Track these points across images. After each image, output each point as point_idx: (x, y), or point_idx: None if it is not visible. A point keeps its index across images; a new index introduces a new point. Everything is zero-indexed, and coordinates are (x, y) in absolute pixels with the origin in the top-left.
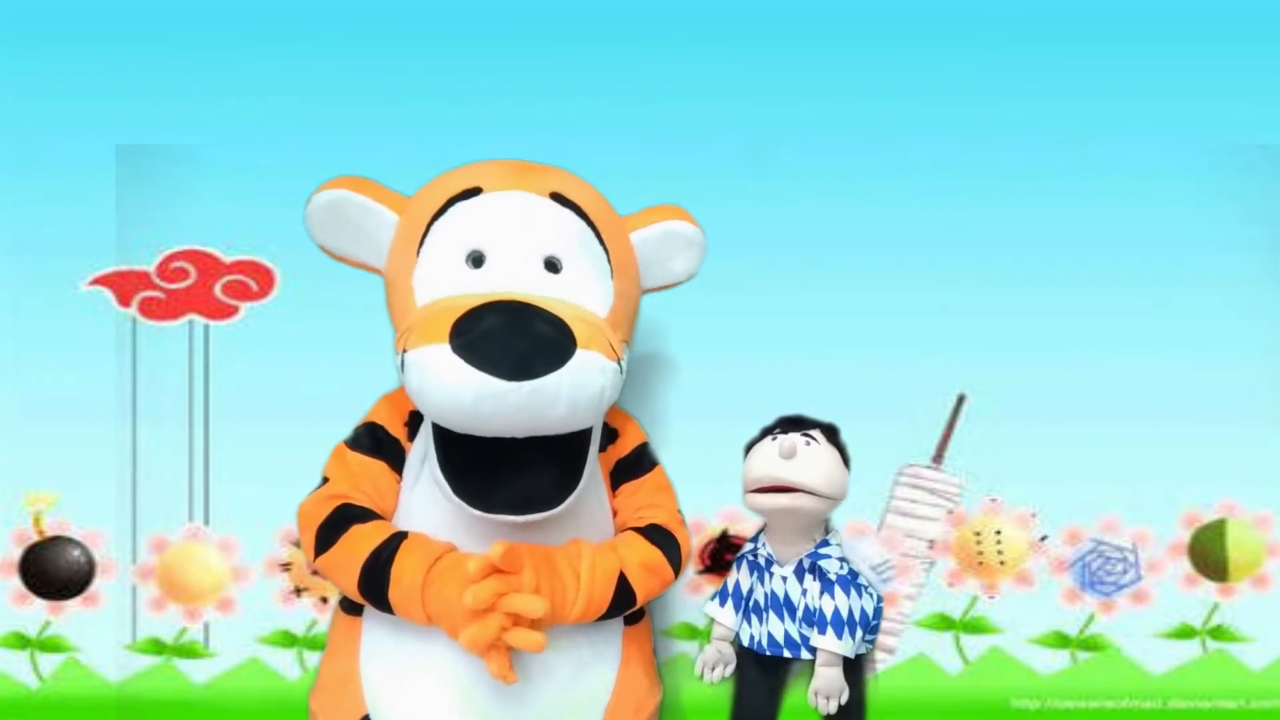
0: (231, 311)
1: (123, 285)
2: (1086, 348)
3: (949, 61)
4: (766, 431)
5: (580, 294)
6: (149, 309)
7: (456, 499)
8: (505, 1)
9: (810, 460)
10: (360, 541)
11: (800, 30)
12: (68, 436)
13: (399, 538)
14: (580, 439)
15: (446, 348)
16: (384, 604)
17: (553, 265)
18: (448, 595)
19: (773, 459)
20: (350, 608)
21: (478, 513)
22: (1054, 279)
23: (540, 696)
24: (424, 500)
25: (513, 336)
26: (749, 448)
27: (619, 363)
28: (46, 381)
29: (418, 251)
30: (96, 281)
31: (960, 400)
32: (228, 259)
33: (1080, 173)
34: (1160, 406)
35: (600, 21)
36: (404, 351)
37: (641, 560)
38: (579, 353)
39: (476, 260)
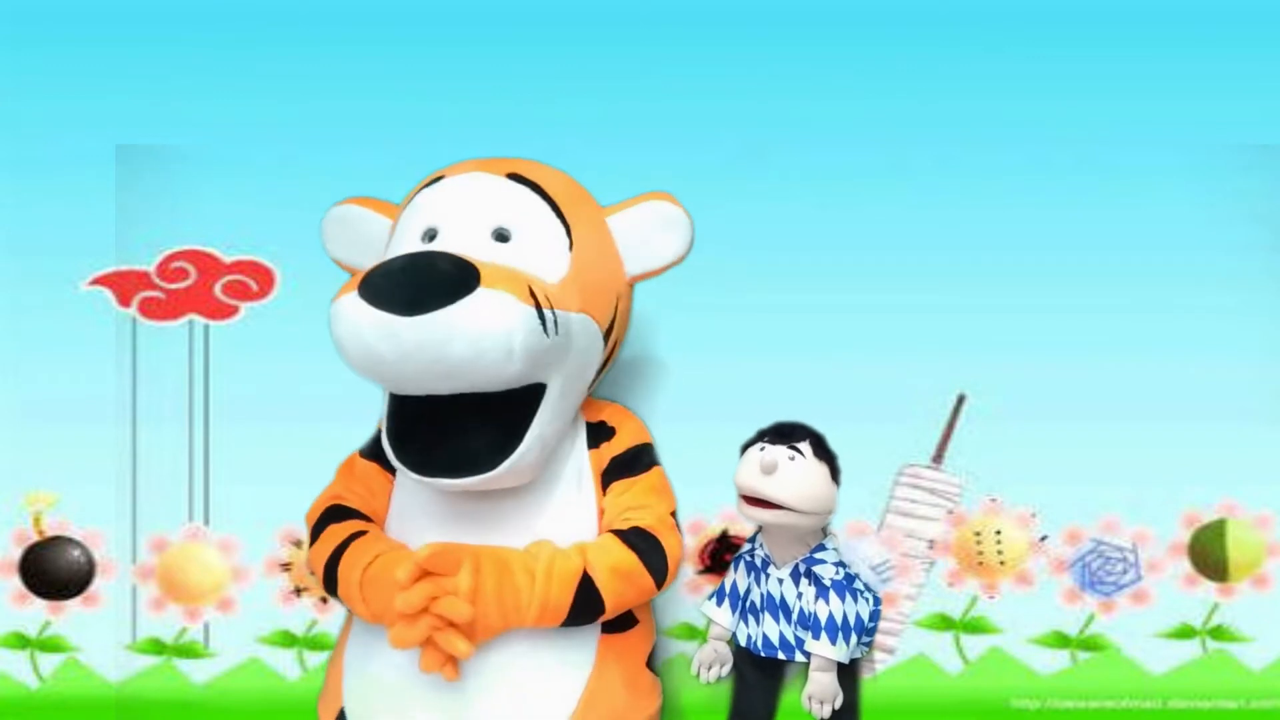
0: (231, 311)
1: (123, 285)
2: (1086, 347)
3: (949, 61)
4: (759, 435)
5: (528, 262)
6: (149, 309)
7: (398, 464)
8: (505, 1)
9: (791, 477)
10: (327, 541)
11: (800, 30)
12: (68, 436)
13: (353, 537)
14: (522, 401)
15: (355, 293)
16: (339, 601)
17: (502, 236)
18: (384, 595)
19: (755, 471)
20: None
21: (415, 476)
22: (1054, 279)
23: (494, 697)
24: (410, 497)
25: (410, 273)
26: (743, 449)
27: (541, 310)
28: (46, 381)
29: (389, 241)
30: (96, 281)
31: (960, 400)
32: (228, 259)
33: (1080, 173)
34: (1160, 406)
35: (599, 21)
36: None
37: (612, 565)
38: (481, 290)
39: (430, 236)
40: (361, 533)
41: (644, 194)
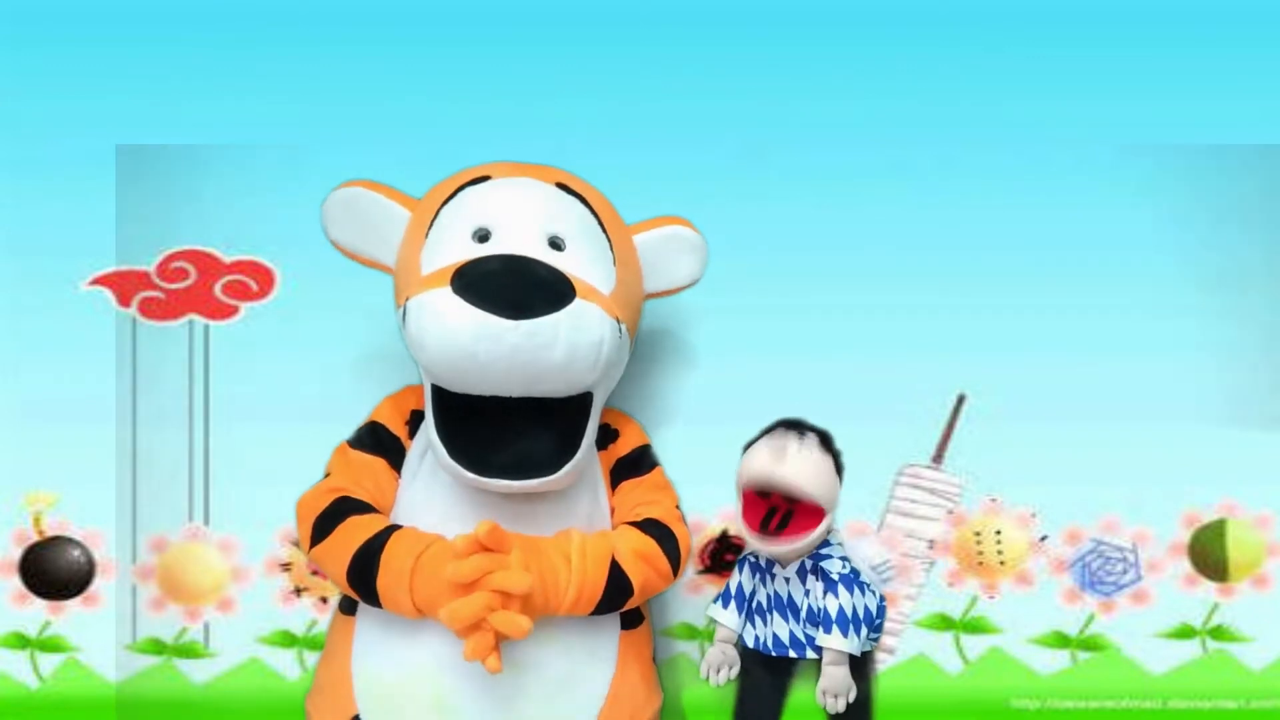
0: (231, 311)
1: (123, 285)
2: (1086, 347)
3: (949, 61)
4: (763, 434)
5: (583, 272)
6: (149, 309)
7: (451, 463)
8: (505, 1)
9: (801, 460)
10: (355, 531)
11: (800, 30)
12: (68, 436)
13: (392, 529)
14: (579, 406)
15: (447, 289)
16: (372, 594)
17: (556, 244)
18: (436, 582)
19: (763, 457)
20: (347, 607)
21: (472, 477)
22: (1054, 279)
23: (529, 701)
24: (423, 494)
25: (512, 276)
26: (745, 450)
27: (620, 324)
28: (46, 381)
29: (426, 233)
30: (96, 281)
31: (960, 400)
32: (228, 259)
33: (1080, 172)
34: (1160, 406)
35: (601, 21)
36: (405, 301)
37: (635, 548)
38: (578, 300)
39: (483, 236)
40: (396, 526)
41: (663, 217)
